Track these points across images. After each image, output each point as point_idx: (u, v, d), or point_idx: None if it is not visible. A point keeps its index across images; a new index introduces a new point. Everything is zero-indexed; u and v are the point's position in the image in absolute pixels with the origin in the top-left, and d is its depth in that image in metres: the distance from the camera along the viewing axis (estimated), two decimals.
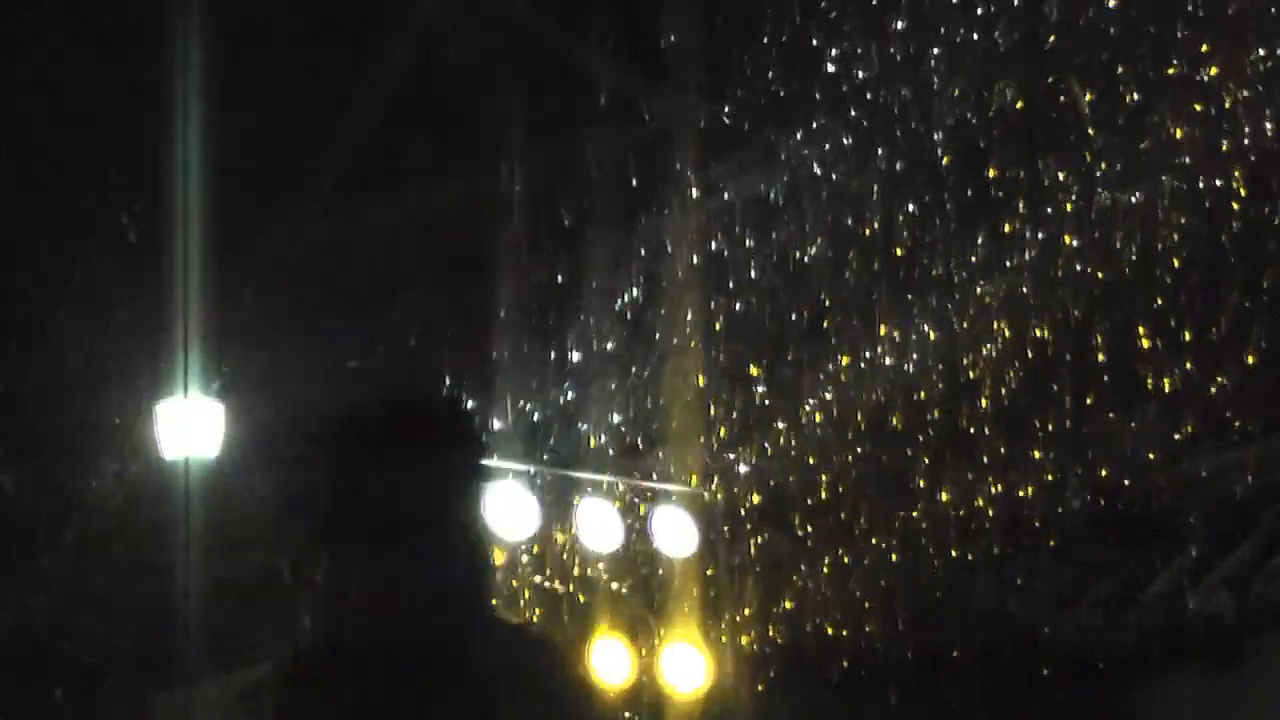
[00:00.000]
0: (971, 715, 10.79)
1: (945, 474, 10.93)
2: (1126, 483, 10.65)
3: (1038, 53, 10.27)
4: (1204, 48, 9.98)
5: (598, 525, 9.76)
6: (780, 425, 11.06)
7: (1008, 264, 10.82)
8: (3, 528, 11.48)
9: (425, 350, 10.65)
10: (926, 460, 10.99)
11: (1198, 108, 10.11)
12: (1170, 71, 10.12)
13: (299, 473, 3.22)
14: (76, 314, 11.45)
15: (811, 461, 10.99)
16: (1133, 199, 10.27)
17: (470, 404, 11.02)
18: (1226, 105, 9.95)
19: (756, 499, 10.95)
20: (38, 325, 11.43)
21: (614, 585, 9.86)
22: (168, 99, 10.09)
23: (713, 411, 11.06)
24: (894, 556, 10.94)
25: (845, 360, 10.95)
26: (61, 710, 11.27)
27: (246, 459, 10.72)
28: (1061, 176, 10.67)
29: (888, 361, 10.88)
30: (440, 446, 3.26)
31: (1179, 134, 10.27)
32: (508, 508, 9.51)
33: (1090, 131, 10.28)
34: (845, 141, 10.87)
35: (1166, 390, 10.61)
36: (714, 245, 11.24)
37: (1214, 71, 9.98)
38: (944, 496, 10.90)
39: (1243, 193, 10.02)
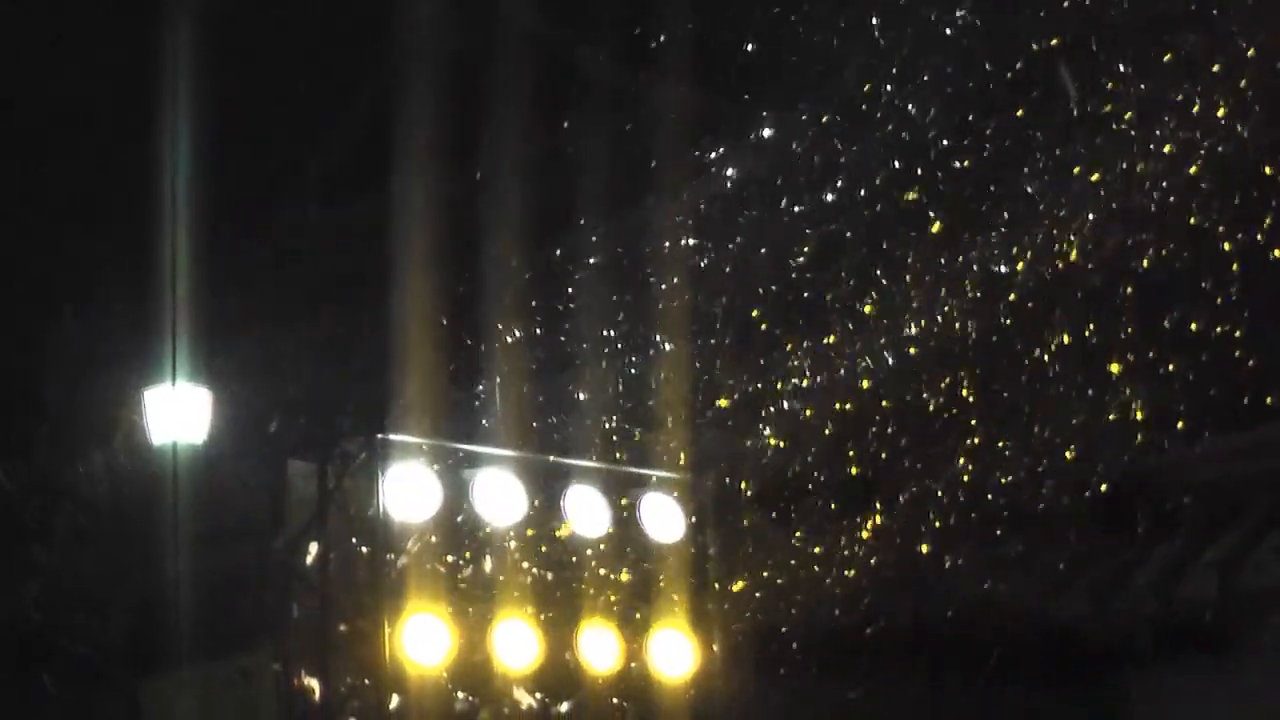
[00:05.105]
0: (960, 701, 10.80)
1: (935, 460, 10.93)
2: (1115, 469, 10.66)
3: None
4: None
5: (585, 511, 9.75)
6: (769, 411, 11.06)
7: (999, 251, 10.84)
8: None
9: (415, 336, 10.66)
10: (917, 446, 10.99)
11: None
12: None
13: None
14: (66, 303, 11.48)
15: (800, 447, 11.00)
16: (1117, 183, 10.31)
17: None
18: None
19: (745, 484, 10.96)
20: (27, 313, 11.46)
21: (602, 571, 9.84)
22: (162, 93, 10.14)
23: (701, 397, 11.06)
24: (883, 542, 10.95)
25: (835, 346, 10.96)
26: (54, 699, 11.29)
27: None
28: (1058, 160, 10.70)
29: (877, 347, 10.89)
30: None
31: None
32: (494, 494, 9.51)
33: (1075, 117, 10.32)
34: (834, 130, 10.90)
35: (1156, 377, 10.63)
36: (704, 233, 11.26)
37: None
38: (934, 482, 10.90)
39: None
